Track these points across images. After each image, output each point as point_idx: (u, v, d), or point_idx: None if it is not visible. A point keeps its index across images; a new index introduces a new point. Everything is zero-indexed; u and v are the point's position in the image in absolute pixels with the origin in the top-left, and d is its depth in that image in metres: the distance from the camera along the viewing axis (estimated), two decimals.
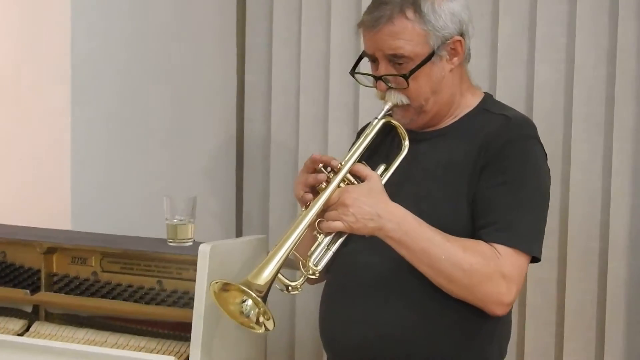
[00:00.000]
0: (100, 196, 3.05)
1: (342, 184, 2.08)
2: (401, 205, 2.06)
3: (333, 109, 3.38)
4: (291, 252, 2.00)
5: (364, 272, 2.15)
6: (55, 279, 2.57)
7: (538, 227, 2.11)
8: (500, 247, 2.05)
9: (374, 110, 3.24)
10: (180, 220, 2.51)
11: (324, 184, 2.07)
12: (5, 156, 3.08)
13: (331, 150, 3.37)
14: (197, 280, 2.28)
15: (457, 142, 2.16)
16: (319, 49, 3.40)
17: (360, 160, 2.14)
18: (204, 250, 2.28)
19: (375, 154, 2.23)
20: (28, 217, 2.94)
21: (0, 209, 3.03)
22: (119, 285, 2.50)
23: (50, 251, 2.56)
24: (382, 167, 2.15)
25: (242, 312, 2.02)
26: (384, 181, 2.12)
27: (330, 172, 2.09)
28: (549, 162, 2.18)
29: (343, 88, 3.35)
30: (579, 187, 2.94)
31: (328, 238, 2.07)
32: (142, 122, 3.21)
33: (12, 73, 3.02)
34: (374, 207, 2.03)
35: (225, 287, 2.01)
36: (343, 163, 2.09)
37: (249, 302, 2.00)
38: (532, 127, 2.18)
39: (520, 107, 2.96)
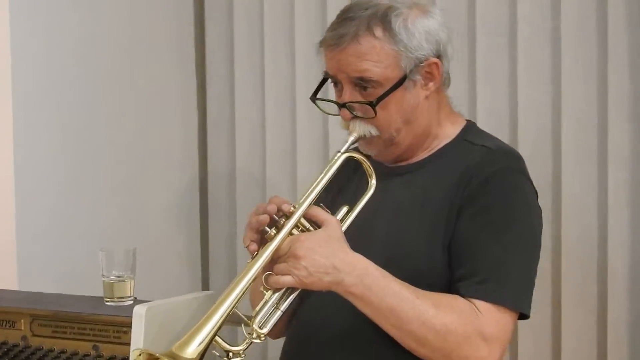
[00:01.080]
0: (49, 251, 2.83)
1: (295, 231, 1.82)
2: (367, 251, 1.80)
3: (301, 142, 3.17)
4: (231, 312, 1.74)
5: (323, 329, 1.90)
6: None
7: (527, 278, 1.85)
8: (481, 304, 1.79)
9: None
10: (118, 276, 2.24)
11: (274, 231, 1.81)
12: None
13: (301, 186, 3.14)
14: (131, 347, 2.00)
15: (433, 178, 1.91)
16: (283, 77, 3.19)
17: (321, 201, 1.87)
18: (138, 312, 2.00)
19: (341, 194, 1.98)
20: None
21: None
22: (51, 351, 2.23)
23: None
24: (344, 210, 1.89)
25: None
26: (345, 226, 1.86)
27: (282, 216, 1.82)
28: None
29: (311, 118, 3.14)
30: (572, 224, 2.69)
31: (277, 295, 1.80)
32: (93, 164, 2.98)
33: None
34: (329, 259, 1.76)
35: (152, 357, 1.73)
36: (296, 206, 1.82)
37: None
38: (520, 160, 1.92)
39: (503, 134, 2.71)
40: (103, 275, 2.25)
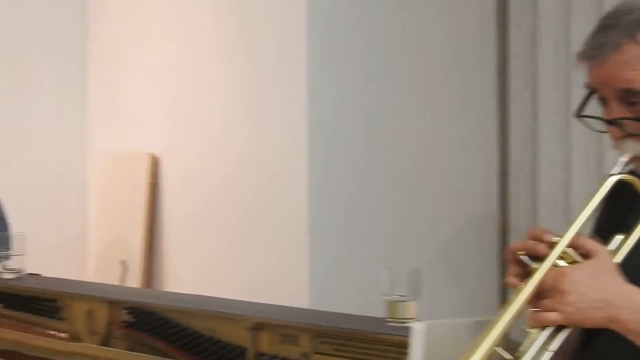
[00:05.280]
0: (342, 272, 2.93)
1: (562, 262, 1.61)
2: None
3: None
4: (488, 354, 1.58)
5: None
6: (263, 359, 2.30)
7: None
8: None
9: None
10: (402, 296, 2.16)
11: (537, 264, 1.62)
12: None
13: None
14: None
15: None
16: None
17: (601, 232, 1.69)
18: (417, 329, 1.91)
19: (618, 224, 1.73)
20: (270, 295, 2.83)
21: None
22: None
23: (258, 327, 2.30)
24: (617, 239, 1.67)
25: None
26: (621, 257, 1.64)
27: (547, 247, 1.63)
28: None
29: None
30: None
31: (544, 334, 1.60)
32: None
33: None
34: (600, 293, 1.57)
35: None
36: (561, 236, 1.62)
37: None
38: None
39: None
40: (386, 295, 2.19)
